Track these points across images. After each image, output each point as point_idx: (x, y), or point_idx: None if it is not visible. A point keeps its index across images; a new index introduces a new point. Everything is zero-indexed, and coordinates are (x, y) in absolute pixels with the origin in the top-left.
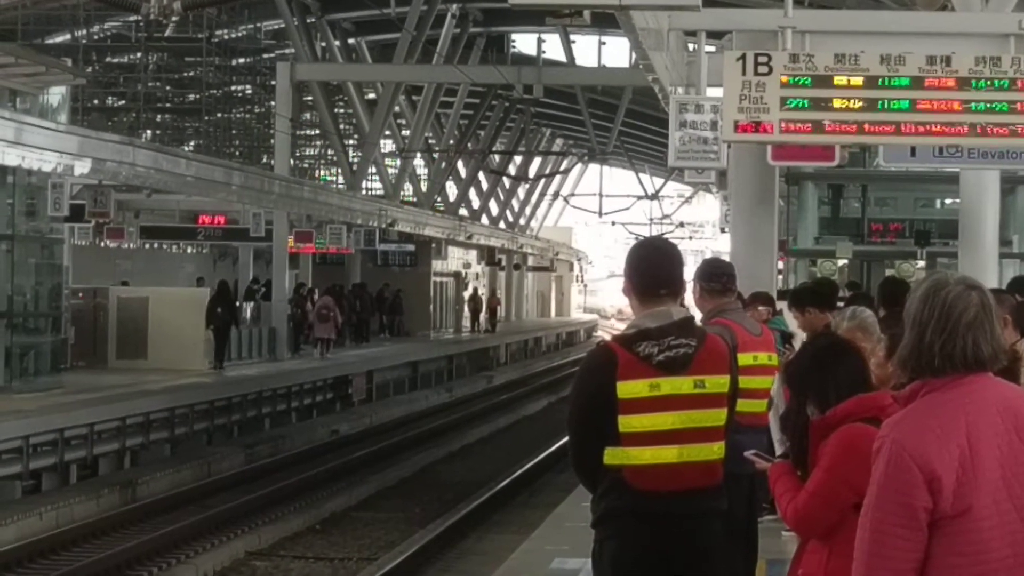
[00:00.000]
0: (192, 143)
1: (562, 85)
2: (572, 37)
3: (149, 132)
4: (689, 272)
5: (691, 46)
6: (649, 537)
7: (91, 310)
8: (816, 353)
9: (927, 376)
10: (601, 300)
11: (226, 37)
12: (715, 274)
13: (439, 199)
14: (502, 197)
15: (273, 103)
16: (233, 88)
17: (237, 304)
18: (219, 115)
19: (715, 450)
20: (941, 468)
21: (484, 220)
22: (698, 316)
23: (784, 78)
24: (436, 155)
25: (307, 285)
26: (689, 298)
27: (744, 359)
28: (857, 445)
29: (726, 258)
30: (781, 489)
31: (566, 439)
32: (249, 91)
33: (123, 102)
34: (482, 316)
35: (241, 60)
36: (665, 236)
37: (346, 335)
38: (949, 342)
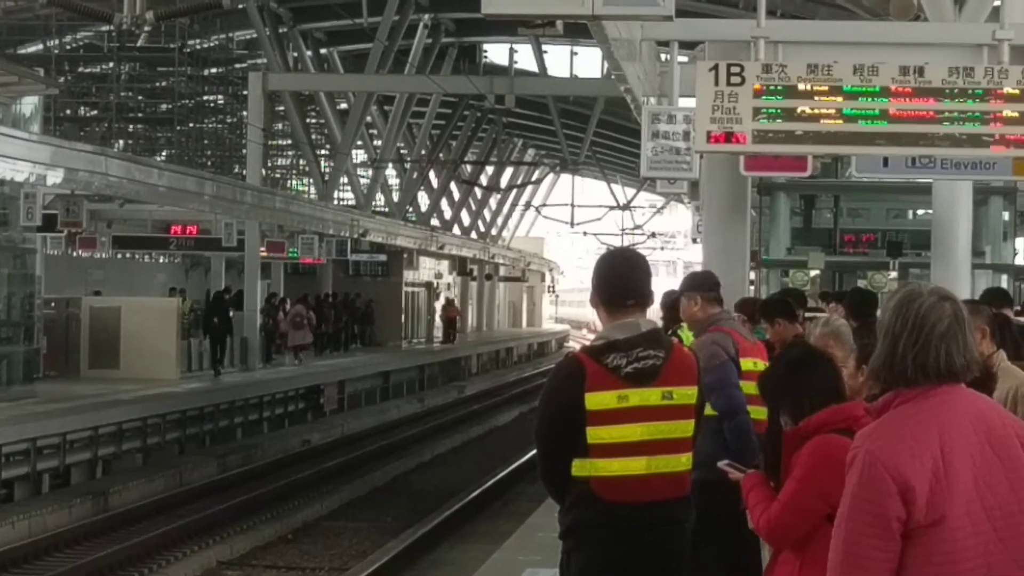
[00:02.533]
0: (164, 153)
1: (534, 95)
2: (544, 47)
3: (121, 142)
4: (663, 283)
5: (663, 56)
6: (617, 548)
7: (63, 320)
8: (789, 363)
9: (900, 387)
10: (589, 312)
11: (198, 47)
12: (714, 283)
13: (411, 209)
14: (474, 207)
15: (245, 113)
16: (205, 98)
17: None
18: (191, 125)
19: (683, 461)
20: (914, 478)
21: (456, 230)
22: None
23: (757, 88)
24: (408, 165)
25: (279, 295)
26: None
27: (745, 364)
28: (830, 456)
29: (698, 268)
30: (754, 500)
31: (535, 450)
32: (221, 101)
33: (95, 112)
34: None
35: (213, 70)
36: (634, 247)
37: (325, 344)
38: (922, 353)
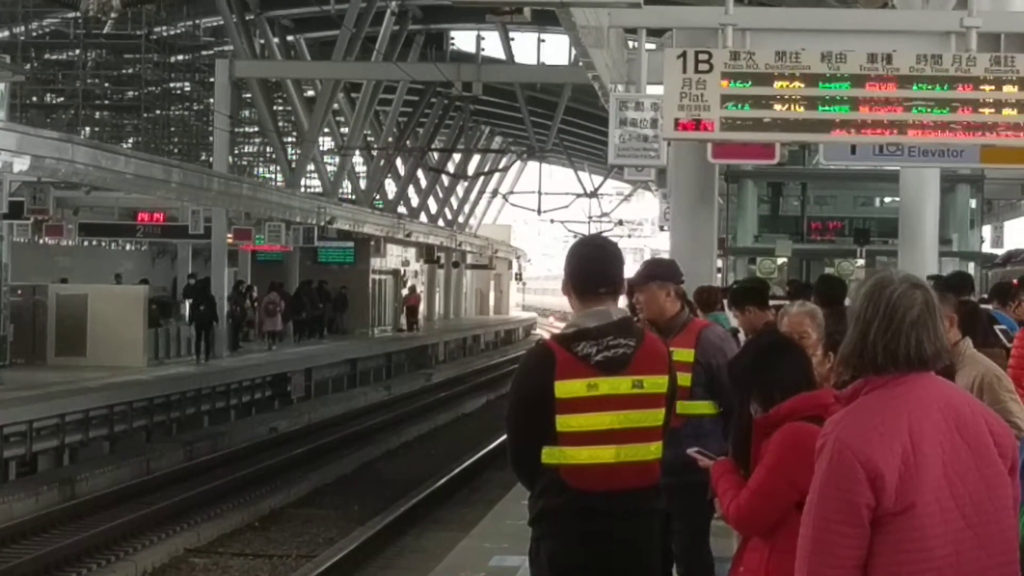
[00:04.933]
0: (131, 140)
1: (501, 83)
2: (511, 35)
3: (88, 129)
4: (630, 271)
5: (631, 43)
6: (585, 536)
7: (30, 307)
8: (760, 350)
9: (870, 374)
10: (556, 300)
11: (165, 34)
12: (680, 274)
13: (378, 197)
14: (441, 195)
15: (212, 100)
16: (172, 85)
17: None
18: (158, 112)
19: (652, 450)
20: (884, 466)
21: (423, 218)
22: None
23: (725, 76)
24: (375, 153)
25: (246, 282)
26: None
27: None
28: (800, 444)
29: (665, 255)
30: (723, 487)
31: (504, 437)
32: (188, 88)
33: (62, 99)
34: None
35: (180, 57)
36: (604, 234)
37: (306, 331)
38: (893, 340)
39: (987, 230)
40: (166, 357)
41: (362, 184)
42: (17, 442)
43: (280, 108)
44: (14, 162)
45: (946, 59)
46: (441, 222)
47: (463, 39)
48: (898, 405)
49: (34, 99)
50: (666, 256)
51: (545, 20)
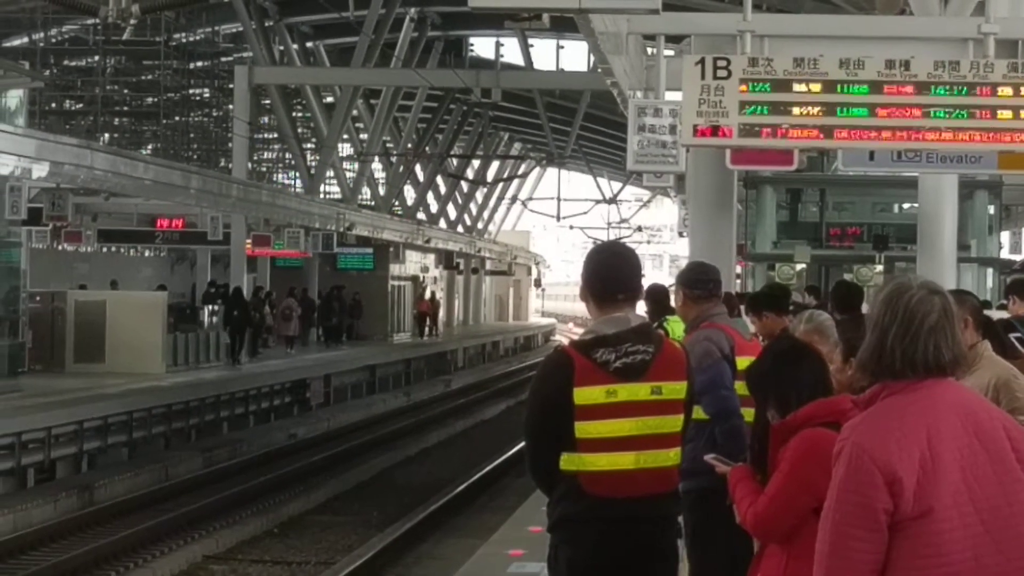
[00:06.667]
0: (150, 146)
1: (520, 89)
2: (530, 41)
3: (107, 135)
4: (649, 277)
5: (650, 50)
6: (604, 542)
7: (49, 313)
8: (776, 356)
9: (887, 379)
10: (576, 306)
11: (184, 40)
12: (699, 280)
13: (397, 203)
14: (460, 201)
15: (231, 106)
16: (191, 91)
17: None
18: (177, 118)
19: (671, 456)
20: (902, 470)
21: (442, 224)
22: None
23: (743, 82)
24: (394, 159)
25: (265, 288)
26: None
27: (742, 363)
28: (817, 449)
29: (685, 262)
30: (741, 493)
31: (523, 443)
32: (207, 94)
33: (81, 105)
34: (438, 320)
35: (199, 63)
36: (622, 240)
37: (330, 336)
38: (911, 346)
39: (1005, 236)
40: (185, 363)
41: (381, 190)
42: (36, 449)
43: (299, 114)
44: (33, 168)
45: (964, 65)
46: (460, 228)
47: (482, 45)
48: (916, 410)
49: (53, 105)
50: (694, 260)
51: (564, 26)
